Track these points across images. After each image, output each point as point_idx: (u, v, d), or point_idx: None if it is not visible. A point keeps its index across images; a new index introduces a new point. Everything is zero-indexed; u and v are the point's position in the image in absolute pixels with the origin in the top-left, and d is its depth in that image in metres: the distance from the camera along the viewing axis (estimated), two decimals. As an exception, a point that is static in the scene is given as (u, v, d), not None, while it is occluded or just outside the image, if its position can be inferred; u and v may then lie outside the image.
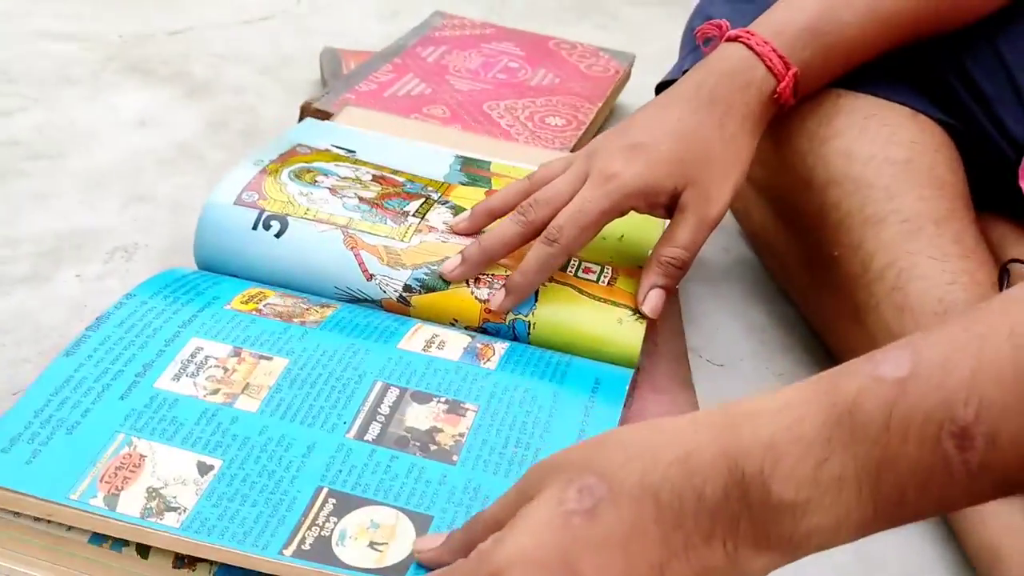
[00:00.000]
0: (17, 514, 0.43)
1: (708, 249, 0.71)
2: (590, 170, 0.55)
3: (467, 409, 0.48)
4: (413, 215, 0.60)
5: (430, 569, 0.39)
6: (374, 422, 0.47)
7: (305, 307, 0.54)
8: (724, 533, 0.34)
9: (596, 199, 0.54)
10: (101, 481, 0.43)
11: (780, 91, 0.57)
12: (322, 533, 0.42)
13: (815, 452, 0.33)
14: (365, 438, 0.46)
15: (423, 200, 0.62)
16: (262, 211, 0.59)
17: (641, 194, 0.54)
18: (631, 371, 0.53)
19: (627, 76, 0.95)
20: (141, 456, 0.44)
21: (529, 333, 0.55)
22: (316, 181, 0.62)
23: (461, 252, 0.56)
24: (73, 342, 0.49)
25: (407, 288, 0.56)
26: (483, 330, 0.55)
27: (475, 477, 0.45)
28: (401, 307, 0.56)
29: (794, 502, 0.33)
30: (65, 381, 0.47)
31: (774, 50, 0.56)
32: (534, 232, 0.55)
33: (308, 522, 0.42)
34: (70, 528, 0.42)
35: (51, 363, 0.48)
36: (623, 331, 0.55)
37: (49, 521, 0.42)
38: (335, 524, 0.42)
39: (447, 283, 0.56)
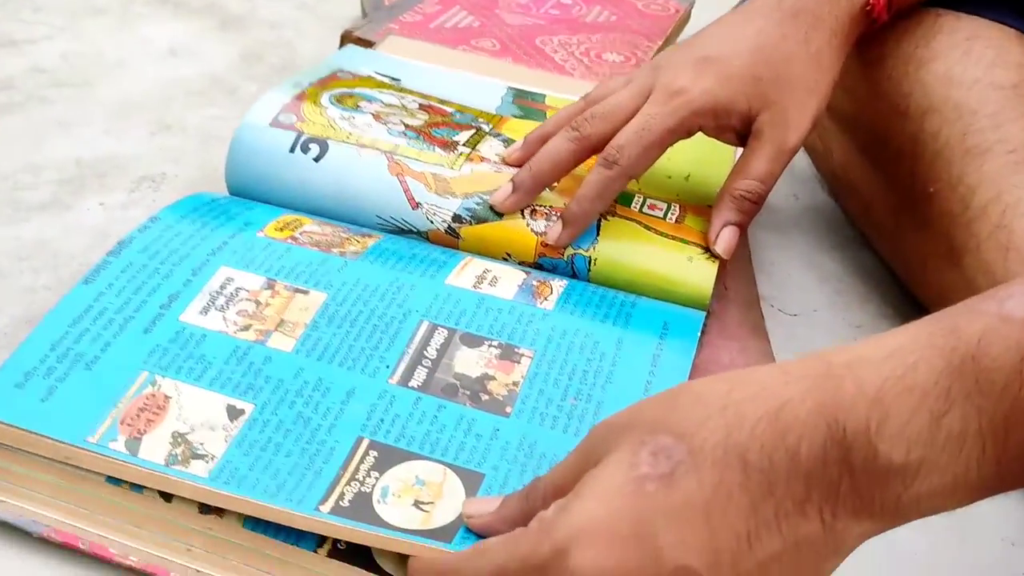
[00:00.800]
0: (30, 452, 0.39)
1: (776, 196, 0.65)
2: (654, 85, 0.49)
3: (522, 355, 0.43)
4: (463, 145, 0.55)
5: (481, 536, 0.35)
6: (420, 367, 0.42)
7: (345, 236, 0.49)
8: (821, 499, 0.29)
9: (661, 116, 0.48)
10: (122, 423, 0.39)
11: (873, 4, 0.51)
12: (363, 489, 0.38)
13: (931, 405, 0.28)
14: (410, 384, 0.42)
15: (473, 132, 0.57)
16: (300, 133, 0.54)
17: (711, 112, 0.49)
18: (703, 314, 0.48)
19: (687, 17, 0.88)
20: (166, 397, 0.40)
21: (589, 270, 0.50)
22: (359, 106, 0.57)
23: (512, 179, 0.51)
24: (93, 269, 0.45)
25: (456, 218, 0.51)
26: (539, 266, 0.50)
27: (530, 431, 0.40)
28: (449, 239, 0.51)
29: (905, 463, 0.28)
30: (84, 311, 0.43)
31: None
32: (589, 149, 0.49)
33: (347, 476, 0.38)
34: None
35: (69, 292, 0.44)
36: (693, 270, 0.49)
37: (66, 463, 0.39)
38: (377, 479, 0.38)
39: (499, 214, 0.51)
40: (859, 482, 0.29)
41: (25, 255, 0.54)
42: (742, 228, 0.50)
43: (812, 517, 0.29)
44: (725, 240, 0.49)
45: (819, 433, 0.29)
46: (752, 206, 0.49)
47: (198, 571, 0.37)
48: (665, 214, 0.52)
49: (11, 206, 0.58)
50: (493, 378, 0.42)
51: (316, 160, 0.53)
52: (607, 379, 0.42)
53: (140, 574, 0.38)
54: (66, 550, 0.38)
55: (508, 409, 0.41)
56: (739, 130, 0.50)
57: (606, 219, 0.51)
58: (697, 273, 0.49)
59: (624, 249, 0.50)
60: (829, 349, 0.31)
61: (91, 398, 0.40)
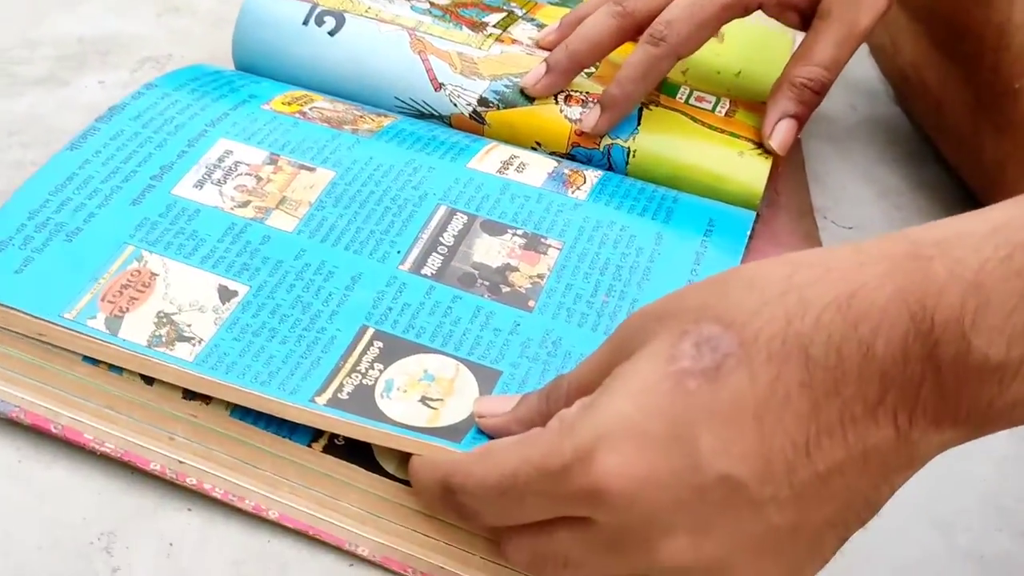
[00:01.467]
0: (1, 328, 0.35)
1: (833, 104, 0.60)
2: None
3: (549, 245, 0.39)
4: (493, 27, 0.50)
5: (494, 438, 0.31)
6: (435, 253, 0.38)
7: (358, 114, 0.45)
8: (897, 402, 0.25)
9: None
10: (103, 300, 0.35)
11: None
12: (364, 381, 0.34)
13: None
14: (423, 272, 0.37)
15: (505, 15, 0.51)
16: (315, 5, 0.49)
17: None
18: (752, 213, 0.43)
19: None
20: (152, 274, 0.36)
21: (628, 162, 0.45)
22: (380, -25, 0.52)
23: (545, 60, 0.46)
24: (79, 134, 0.41)
25: (482, 102, 0.46)
26: (571, 157, 0.46)
27: (555, 328, 0.36)
28: (474, 125, 0.46)
29: (1004, 362, 0.24)
30: (67, 179, 0.39)
31: None
32: (633, 28, 0.44)
33: (348, 367, 0.34)
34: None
35: (52, 157, 0.40)
36: (744, 166, 0.44)
37: (39, 339, 0.35)
38: (380, 372, 0.34)
39: (530, 99, 0.46)
40: (945, 383, 0.24)
41: (16, 129, 0.50)
42: (800, 121, 0.45)
43: (884, 423, 0.25)
44: (781, 133, 0.44)
45: (900, 323, 0.24)
46: (813, 96, 0.44)
47: (180, 461, 0.33)
48: (714, 107, 0.47)
49: (6, 79, 0.54)
50: (516, 269, 0.38)
51: (331, 34, 0.48)
52: (644, 276, 0.38)
53: (116, 462, 0.34)
54: (37, 433, 0.35)
55: (531, 303, 0.37)
56: (803, 9, 0.44)
57: (648, 108, 0.46)
58: (748, 169, 0.44)
59: (667, 141, 0.45)
60: (915, 227, 0.26)
61: (70, 272, 0.36)
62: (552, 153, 0.46)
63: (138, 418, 0.34)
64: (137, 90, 0.44)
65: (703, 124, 0.46)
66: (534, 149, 0.46)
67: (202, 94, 0.44)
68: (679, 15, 0.43)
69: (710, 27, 0.43)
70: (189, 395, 0.34)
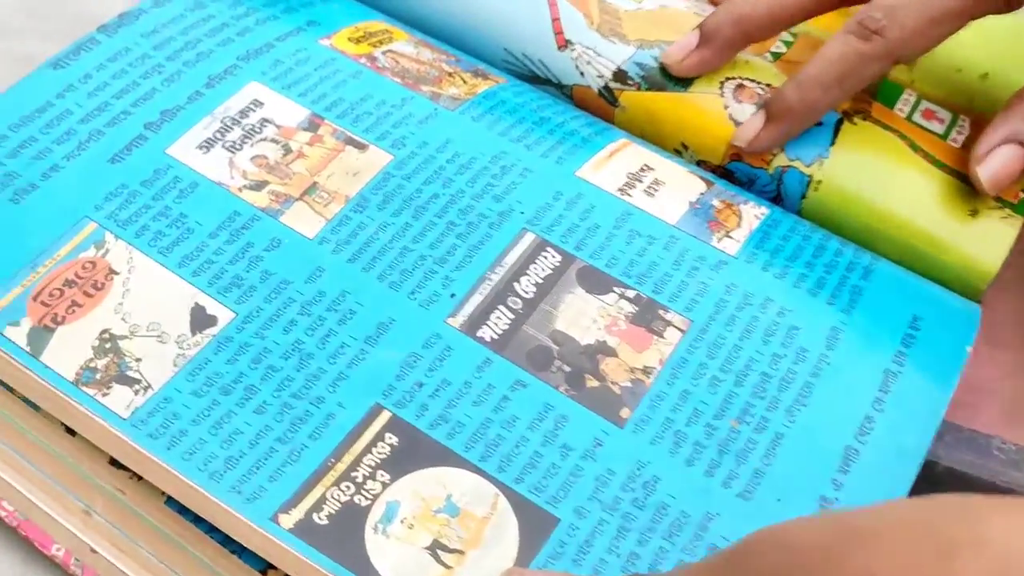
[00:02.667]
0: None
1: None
2: None
3: (669, 323, 0.27)
4: (657, -39, 0.37)
5: None
6: (502, 307, 0.26)
7: (448, 70, 0.33)
8: None
9: None
10: (35, 299, 0.25)
11: None
12: (356, 498, 0.23)
13: None
14: (478, 335, 0.26)
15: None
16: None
17: None
18: (978, 308, 0.29)
19: None
20: (111, 271, 0.26)
21: (805, 195, 0.32)
22: None
23: (700, 25, 0.32)
24: (70, 47, 0.31)
25: (619, 76, 0.33)
26: (727, 173, 0.33)
27: (653, 460, 0.24)
28: (603, 106, 0.34)
29: None
30: (38, 110, 0.29)
31: None
32: None
33: (340, 470, 0.23)
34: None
35: (27, 75, 0.30)
36: (977, 231, 0.30)
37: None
38: (384, 487, 0.23)
39: (685, 82, 0.33)
40: None
41: (38, 11, 0.40)
42: None
43: None
44: (998, 163, 0.30)
45: None
46: None
47: (92, 549, 0.24)
48: (947, 131, 0.33)
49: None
50: (614, 353, 0.26)
51: (438, -52, 0.36)
52: (800, 397, 0.25)
53: (5, 528, 0.25)
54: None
55: (625, 412, 0.25)
56: None
57: (850, 121, 0.32)
58: (982, 237, 0.30)
59: (869, 176, 0.31)
60: None
61: (4, 248, 0.26)
62: (700, 163, 0.33)
63: (50, 474, 0.24)
64: (162, -7, 0.33)
65: (927, 156, 0.32)
66: (677, 153, 0.33)
67: (247, 10, 0.33)
68: (906, 1, 0.29)
69: (949, 23, 0.29)
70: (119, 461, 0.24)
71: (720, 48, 0.32)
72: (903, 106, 0.33)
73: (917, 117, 0.33)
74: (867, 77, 0.31)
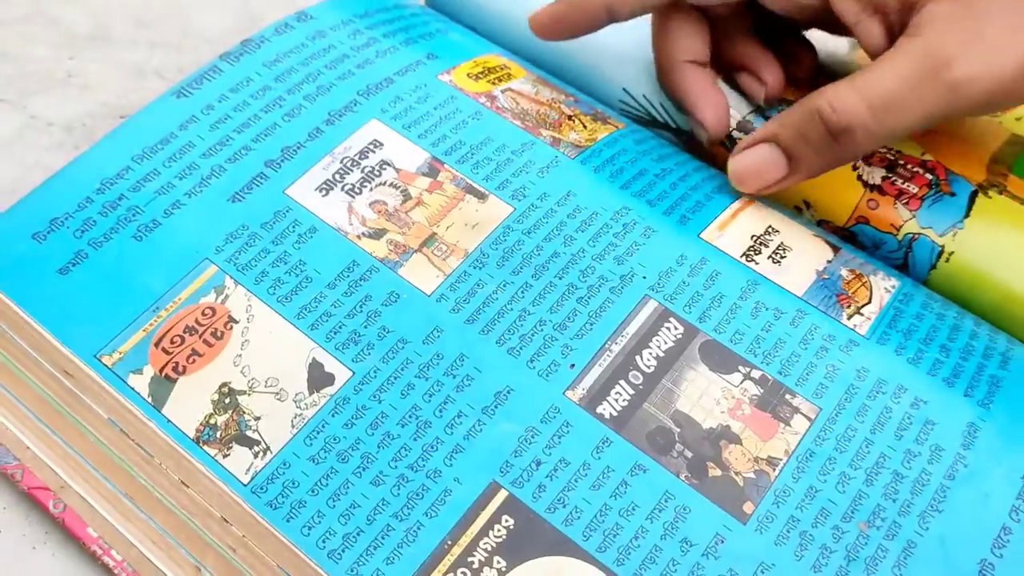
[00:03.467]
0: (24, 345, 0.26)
1: None
2: None
3: (796, 409, 0.26)
4: None
5: None
6: (623, 383, 0.26)
7: (568, 112, 0.32)
8: None
9: None
10: (157, 345, 0.25)
11: None
12: (472, 585, 0.22)
13: None
14: (598, 411, 0.25)
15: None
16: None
17: None
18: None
19: None
20: (230, 319, 0.26)
21: (935, 266, 0.30)
22: None
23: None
24: (193, 76, 0.30)
25: (743, 126, 0.32)
26: (850, 236, 0.31)
27: (777, 563, 0.23)
28: (723, 153, 0.32)
29: None
30: (162, 141, 0.29)
31: None
32: None
33: (458, 552, 0.23)
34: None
35: (151, 103, 0.30)
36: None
37: (64, 377, 0.25)
38: (500, 573, 0.23)
39: (815, 134, 0.31)
40: None
41: (148, 20, 0.40)
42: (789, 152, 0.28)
43: None
44: (749, 158, 0.29)
45: None
46: (820, 127, 0.27)
47: (201, 608, 0.24)
48: (1094, 206, 0.31)
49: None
50: (738, 440, 0.25)
51: (560, -24, 0.35)
52: (935, 500, 0.24)
53: (118, 583, 0.25)
54: (24, 500, 0.26)
55: (748, 507, 0.24)
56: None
57: (986, 193, 0.31)
58: (1125, 328, 0.29)
59: (1005, 250, 0.30)
60: None
61: (127, 289, 0.26)
62: (821, 223, 0.32)
63: (161, 525, 0.24)
64: (284, 20, 0.32)
65: (1070, 235, 0.30)
66: (798, 211, 0.32)
67: (368, 41, 0.32)
68: None
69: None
70: (233, 521, 0.24)
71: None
72: (1047, 173, 0.32)
73: (1063, 187, 0.31)
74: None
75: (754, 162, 0.29)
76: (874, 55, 0.29)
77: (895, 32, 0.28)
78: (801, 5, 0.30)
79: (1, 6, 0.39)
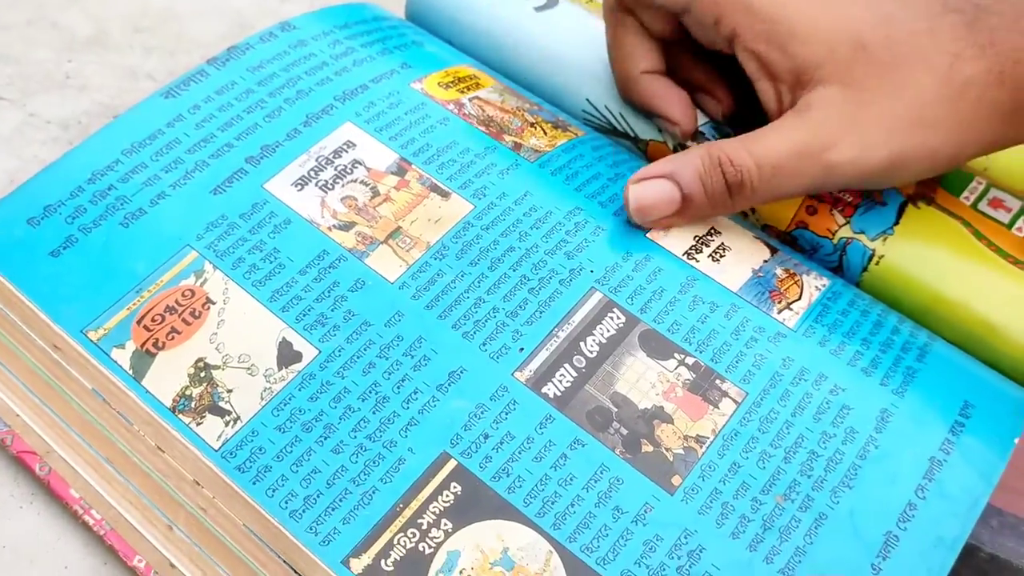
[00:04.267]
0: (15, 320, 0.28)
1: None
2: None
3: (724, 393, 0.28)
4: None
5: None
6: (567, 366, 0.28)
7: (530, 120, 0.34)
8: None
9: None
10: (139, 323, 0.27)
11: None
12: (421, 546, 0.25)
13: None
14: (543, 391, 0.27)
15: None
16: (522, -55, 0.38)
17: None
18: (1027, 400, 0.30)
19: None
20: (208, 300, 0.28)
21: (866, 268, 0.33)
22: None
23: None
24: (181, 79, 0.33)
25: (695, 136, 0.35)
26: (790, 240, 0.34)
27: (699, 529, 0.25)
28: (675, 161, 0.35)
29: None
30: (150, 137, 0.31)
31: None
32: None
33: (407, 516, 0.25)
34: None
35: (139, 102, 0.32)
36: (1033, 325, 0.31)
37: (52, 350, 0.28)
38: (446, 536, 0.25)
39: (760, 145, 0.34)
40: None
41: (144, 25, 0.42)
42: (684, 203, 0.30)
43: None
44: (639, 195, 0.30)
45: None
46: (722, 185, 0.29)
47: (171, 564, 0.26)
48: (1013, 220, 0.34)
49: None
50: (670, 420, 0.27)
51: (538, 9, 0.37)
52: (846, 478, 0.27)
53: (92, 535, 0.27)
54: (13, 464, 0.28)
55: (676, 480, 0.26)
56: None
57: (915, 205, 0.33)
58: (1037, 329, 0.31)
59: (930, 259, 0.32)
60: None
61: (112, 271, 0.28)
62: (766, 227, 0.34)
63: (138, 487, 0.27)
64: (269, 29, 0.34)
65: (989, 245, 0.33)
66: (744, 215, 0.34)
67: (346, 50, 0.34)
68: None
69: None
70: (204, 484, 0.26)
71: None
72: (969, 194, 0.34)
73: (983, 206, 0.34)
74: None
75: (653, 195, 0.30)
76: (769, 115, 0.31)
77: (784, 101, 0.30)
78: (716, 41, 0.32)
79: (6, 10, 0.42)
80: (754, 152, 0.29)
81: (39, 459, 0.27)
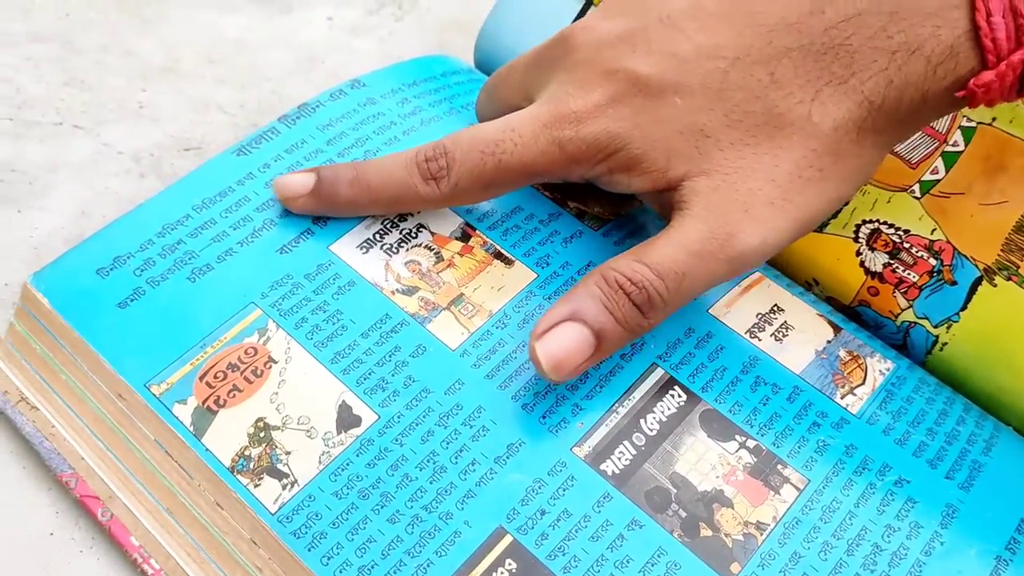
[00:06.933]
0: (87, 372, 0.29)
1: None
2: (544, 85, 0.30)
3: (786, 479, 0.27)
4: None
5: None
6: (627, 443, 0.28)
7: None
8: None
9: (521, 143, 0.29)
10: (201, 379, 0.28)
11: (983, 85, 0.25)
12: (474, 622, 0.24)
13: None
14: (602, 468, 0.27)
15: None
16: (589, 3, 0.38)
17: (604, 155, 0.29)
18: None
19: None
20: (270, 360, 0.28)
21: (931, 351, 0.32)
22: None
23: (317, 170, 0.31)
24: (253, 136, 0.33)
25: (758, 208, 0.34)
26: (854, 315, 0.33)
27: (758, 620, 0.25)
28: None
29: None
30: (220, 193, 0.31)
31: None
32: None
33: (461, 589, 0.25)
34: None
35: (212, 158, 0.32)
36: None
37: (117, 399, 0.28)
38: (500, 613, 0.25)
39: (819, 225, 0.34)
40: None
41: (217, 56, 0.43)
42: (596, 337, 0.27)
43: None
44: (553, 344, 0.27)
45: None
46: (628, 306, 0.27)
47: (227, 625, 0.26)
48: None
49: (228, -8, 0.47)
50: (730, 504, 0.27)
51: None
52: (913, 572, 0.26)
53: (153, 593, 0.27)
54: (75, 507, 0.28)
55: (735, 567, 0.26)
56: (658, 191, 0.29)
57: (991, 280, 0.33)
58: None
59: (999, 344, 0.32)
60: None
61: (178, 325, 0.29)
62: (829, 300, 0.34)
63: (197, 540, 0.27)
64: (338, 86, 0.35)
65: (1060, 332, 0.32)
66: (808, 287, 0.34)
67: (414, 109, 0.35)
68: (459, 150, 0.30)
69: (497, 187, 0.30)
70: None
71: (326, 203, 0.30)
72: (1042, 272, 0.33)
73: (1056, 285, 0.33)
74: (421, 209, 0.31)
75: (565, 345, 0.26)
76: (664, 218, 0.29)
77: (664, 203, 0.29)
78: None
79: (81, 33, 0.43)
80: (652, 264, 0.27)
81: (101, 504, 0.27)
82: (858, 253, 0.33)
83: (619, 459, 0.27)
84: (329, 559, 0.25)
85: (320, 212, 0.31)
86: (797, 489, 0.27)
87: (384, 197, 0.30)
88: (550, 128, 0.29)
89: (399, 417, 0.27)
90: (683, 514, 0.26)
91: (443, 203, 0.30)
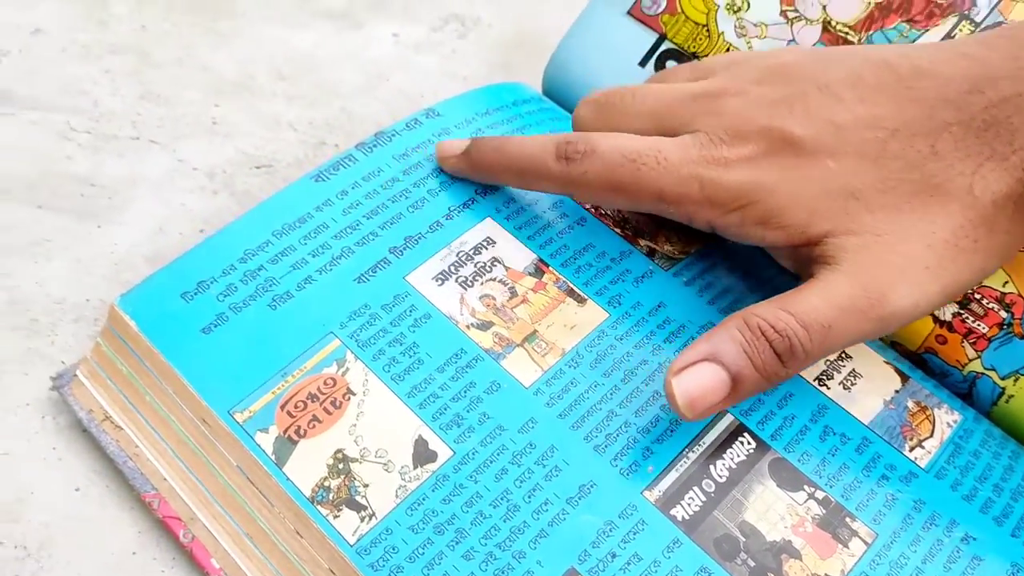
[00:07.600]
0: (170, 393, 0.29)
1: None
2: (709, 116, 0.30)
3: (855, 532, 0.28)
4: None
5: None
6: (697, 488, 0.28)
7: (664, 222, 0.34)
8: None
9: (656, 171, 0.30)
10: (282, 408, 0.28)
11: None
12: (546, 664, 0.25)
13: None
14: (672, 512, 0.28)
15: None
16: (662, 37, 0.38)
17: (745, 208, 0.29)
18: None
19: None
20: (348, 391, 0.29)
21: (997, 403, 0.32)
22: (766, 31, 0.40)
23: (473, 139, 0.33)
24: (331, 162, 0.34)
25: (827, 250, 0.34)
26: (921, 362, 0.33)
27: (825, 673, 0.25)
28: (805, 273, 0.35)
29: None
30: (299, 220, 0.32)
31: None
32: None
33: (533, 632, 0.25)
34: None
35: (290, 185, 0.33)
36: None
37: (201, 424, 0.29)
38: (571, 656, 0.25)
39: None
40: None
41: (288, 72, 0.44)
42: (735, 382, 0.27)
43: None
44: (687, 383, 0.27)
45: None
46: (770, 354, 0.27)
47: (302, 649, 0.27)
48: None
49: (298, 5, 0.48)
50: (798, 555, 0.27)
51: (667, 90, 0.38)
52: (974, 634, 0.26)
53: (230, 621, 0.28)
54: (157, 527, 0.29)
55: (802, 620, 0.26)
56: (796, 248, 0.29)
57: (1057, 337, 0.33)
58: None
59: (1066, 398, 0.32)
60: None
61: (261, 352, 0.29)
62: (894, 345, 0.34)
63: (276, 566, 0.27)
64: (414, 115, 0.35)
65: None
66: (874, 335, 0.34)
67: (487, 140, 0.35)
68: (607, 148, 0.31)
69: (613, 194, 0.31)
70: None
71: (472, 164, 0.33)
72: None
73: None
74: (547, 188, 0.32)
75: (701, 384, 0.27)
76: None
77: (799, 257, 0.29)
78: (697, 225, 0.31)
79: (157, 47, 0.44)
80: (798, 313, 0.27)
81: (183, 526, 0.28)
82: (927, 301, 0.33)
83: (689, 505, 0.28)
84: (405, 593, 0.26)
85: (465, 174, 0.33)
86: (865, 543, 0.27)
87: (518, 165, 0.32)
88: (696, 164, 0.29)
89: (474, 454, 0.28)
90: (752, 563, 0.27)
91: (568, 186, 0.31)
